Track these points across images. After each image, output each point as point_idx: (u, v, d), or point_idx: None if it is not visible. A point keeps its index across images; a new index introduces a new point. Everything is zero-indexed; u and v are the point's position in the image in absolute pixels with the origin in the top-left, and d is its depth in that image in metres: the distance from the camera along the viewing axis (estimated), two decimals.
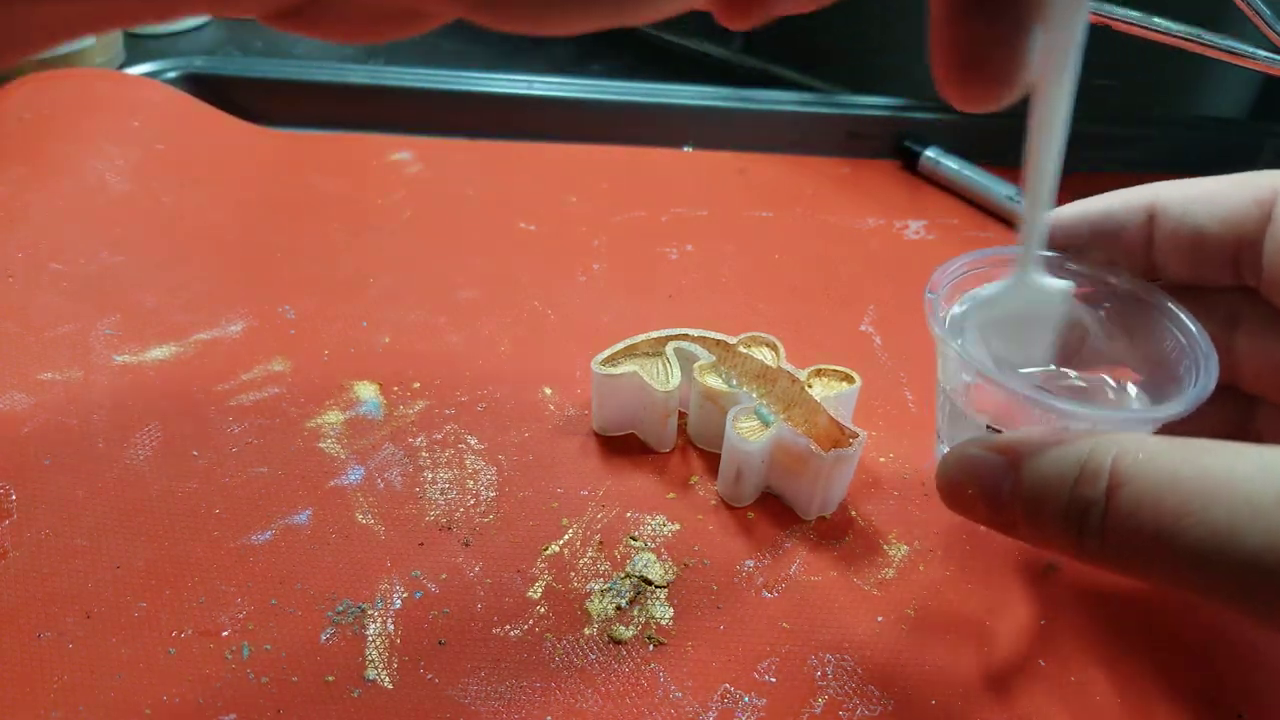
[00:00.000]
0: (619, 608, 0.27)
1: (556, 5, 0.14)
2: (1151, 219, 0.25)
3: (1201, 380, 0.23)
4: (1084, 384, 0.27)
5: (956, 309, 0.26)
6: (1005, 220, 0.47)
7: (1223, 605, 0.19)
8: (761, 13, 0.19)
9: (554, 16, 0.15)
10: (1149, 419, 0.23)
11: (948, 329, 0.25)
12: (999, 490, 0.22)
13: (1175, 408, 0.23)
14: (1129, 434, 0.20)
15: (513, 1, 0.14)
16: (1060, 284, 0.26)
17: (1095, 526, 0.20)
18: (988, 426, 0.25)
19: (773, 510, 0.31)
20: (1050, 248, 0.26)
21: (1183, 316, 0.25)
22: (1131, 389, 0.26)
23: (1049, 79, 0.21)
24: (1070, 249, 0.26)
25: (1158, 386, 0.26)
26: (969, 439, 0.23)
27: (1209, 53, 0.41)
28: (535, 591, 0.28)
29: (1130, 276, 0.26)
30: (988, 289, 0.26)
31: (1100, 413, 0.23)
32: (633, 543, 0.29)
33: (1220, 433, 0.27)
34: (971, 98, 0.19)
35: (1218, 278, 0.25)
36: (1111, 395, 0.26)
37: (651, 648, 0.26)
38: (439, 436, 0.32)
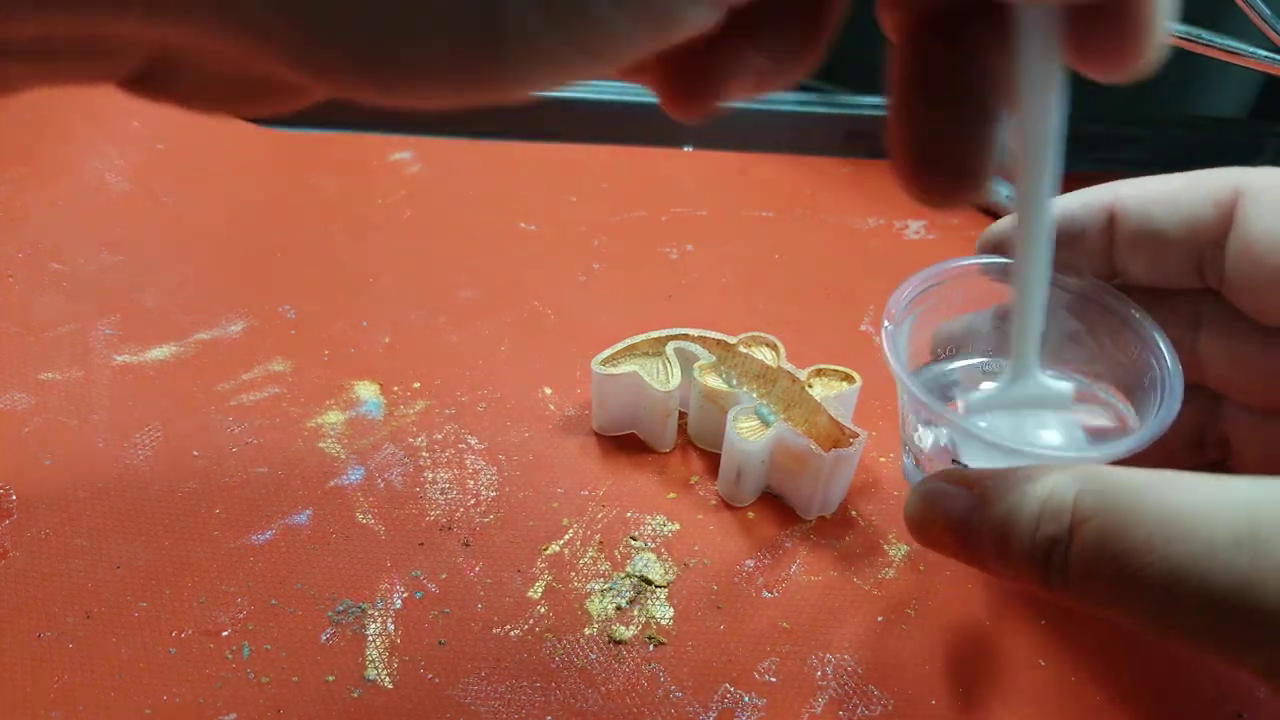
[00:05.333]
0: (619, 608, 0.27)
1: (416, 83, 0.13)
2: (1112, 222, 0.25)
3: (1166, 405, 0.23)
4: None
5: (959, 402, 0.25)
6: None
7: (1188, 644, 0.19)
8: (711, 102, 0.17)
9: (419, 92, 0.13)
10: (1106, 456, 0.22)
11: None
12: (967, 526, 0.21)
13: (1134, 440, 0.22)
14: (1092, 467, 0.20)
15: (372, 79, 0.13)
16: (1062, 386, 0.24)
17: (1060, 564, 0.19)
18: (954, 460, 0.24)
19: (773, 510, 0.31)
20: (1009, 255, 0.26)
21: (1148, 328, 0.25)
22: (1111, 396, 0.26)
23: (1028, 166, 0.19)
24: None
25: (1125, 392, 0.25)
26: (936, 472, 0.23)
27: (1209, 53, 0.41)
28: (535, 591, 0.28)
29: (1094, 280, 0.26)
30: (981, 393, 0.25)
31: (1055, 454, 0.22)
32: (633, 543, 0.29)
33: (1188, 431, 0.26)
34: (931, 196, 0.18)
35: (1180, 280, 0.25)
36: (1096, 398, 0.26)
37: (651, 648, 0.26)
38: (439, 436, 0.32)
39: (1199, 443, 0.27)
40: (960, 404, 0.25)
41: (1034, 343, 0.23)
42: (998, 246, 0.26)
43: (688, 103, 0.17)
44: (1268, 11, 0.40)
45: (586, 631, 0.27)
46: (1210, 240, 0.24)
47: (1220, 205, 0.23)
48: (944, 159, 0.18)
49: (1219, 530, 0.17)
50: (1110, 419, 0.26)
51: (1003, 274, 0.26)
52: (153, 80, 0.15)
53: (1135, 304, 0.25)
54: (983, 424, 0.23)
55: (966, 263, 0.26)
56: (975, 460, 0.24)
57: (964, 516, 0.21)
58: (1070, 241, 0.25)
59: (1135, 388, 0.25)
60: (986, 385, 0.25)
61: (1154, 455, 0.22)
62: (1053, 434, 0.24)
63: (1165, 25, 0.16)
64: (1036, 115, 0.18)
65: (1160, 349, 0.24)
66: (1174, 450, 0.26)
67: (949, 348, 0.27)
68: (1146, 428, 0.23)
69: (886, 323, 0.24)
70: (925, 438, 0.25)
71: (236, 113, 0.16)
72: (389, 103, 0.14)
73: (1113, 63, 0.17)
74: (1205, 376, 0.26)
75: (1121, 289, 0.25)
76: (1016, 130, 0.19)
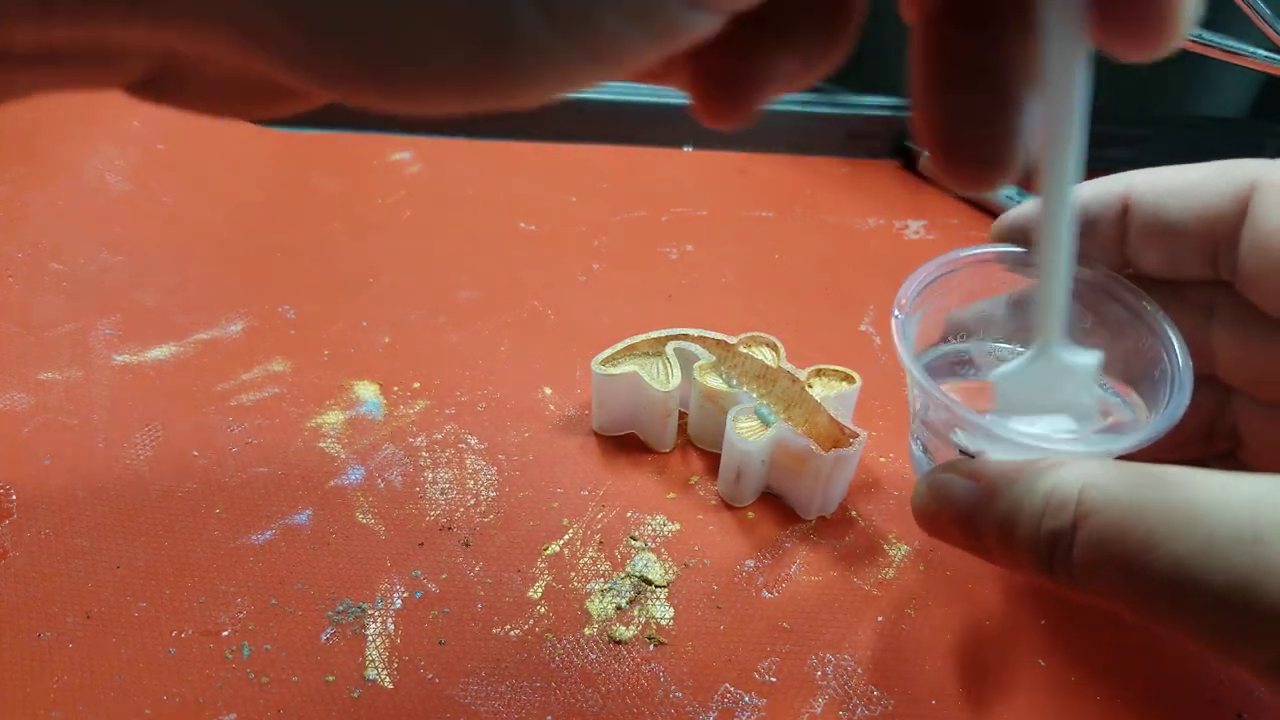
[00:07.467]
0: (619, 608, 0.27)
1: (423, 92, 0.13)
2: (1125, 212, 0.25)
3: (1175, 400, 0.23)
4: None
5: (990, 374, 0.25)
6: None
7: (1189, 639, 0.19)
8: (747, 108, 0.17)
9: (426, 99, 0.13)
10: (1114, 450, 0.22)
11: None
12: (972, 518, 0.21)
13: (1142, 434, 0.22)
14: (1097, 462, 0.20)
15: (379, 86, 0.13)
16: (1087, 358, 0.24)
17: (1064, 557, 0.20)
18: (960, 451, 0.24)
19: (773, 510, 0.31)
20: (1022, 243, 0.26)
21: (1160, 320, 0.24)
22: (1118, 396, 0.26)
23: (1053, 139, 0.19)
24: None
25: (1133, 384, 0.25)
26: (943, 463, 0.23)
27: (1209, 53, 0.41)
28: (535, 591, 0.28)
29: (1106, 271, 0.25)
30: (1005, 367, 0.24)
31: (1061, 447, 0.22)
32: (633, 543, 0.29)
33: (1198, 423, 0.26)
34: (962, 180, 0.18)
35: (1193, 271, 0.25)
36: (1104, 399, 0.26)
37: (651, 648, 0.26)
38: (439, 436, 0.32)
39: (1209, 434, 0.27)
40: (986, 380, 0.25)
41: (1060, 317, 0.23)
42: (1011, 234, 0.26)
43: (723, 109, 0.17)
44: (1268, 11, 0.40)
45: (586, 631, 0.27)
46: (1224, 232, 0.23)
47: (1235, 197, 0.23)
48: (971, 146, 0.17)
49: (1221, 527, 0.18)
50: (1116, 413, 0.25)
51: (1016, 262, 0.26)
52: (158, 85, 0.15)
53: (1147, 296, 0.25)
54: (988, 417, 0.23)
55: (979, 251, 0.26)
56: (982, 450, 0.24)
57: (970, 509, 0.21)
58: (1083, 231, 0.25)
59: (1145, 380, 0.25)
60: (1007, 364, 0.25)
61: (1163, 446, 0.22)
62: (1066, 419, 0.24)
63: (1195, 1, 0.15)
64: (1061, 92, 0.18)
65: (1171, 342, 0.24)
66: (1183, 441, 0.26)
67: (960, 335, 0.27)
68: (1155, 422, 0.22)
69: (896, 311, 0.24)
70: (933, 427, 0.25)
71: (243, 116, 0.16)
72: (393, 109, 0.14)
73: (1141, 40, 0.16)
74: (1216, 368, 0.26)
75: (1134, 280, 0.25)
76: (1041, 108, 0.18)
